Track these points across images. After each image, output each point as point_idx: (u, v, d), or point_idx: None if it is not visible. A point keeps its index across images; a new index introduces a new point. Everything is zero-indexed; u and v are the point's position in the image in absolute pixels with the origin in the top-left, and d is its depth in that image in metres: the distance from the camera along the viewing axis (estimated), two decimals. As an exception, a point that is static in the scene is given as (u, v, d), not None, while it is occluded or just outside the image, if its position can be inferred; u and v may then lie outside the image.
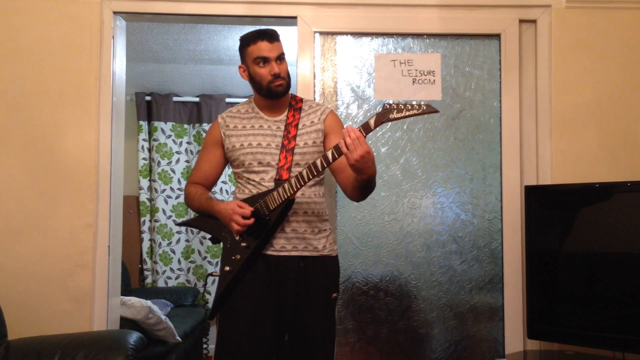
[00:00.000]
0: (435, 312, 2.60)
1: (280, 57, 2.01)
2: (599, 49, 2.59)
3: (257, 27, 2.10)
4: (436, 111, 1.77)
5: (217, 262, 4.72)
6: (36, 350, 2.10)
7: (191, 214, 2.20)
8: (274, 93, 2.03)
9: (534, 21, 2.64)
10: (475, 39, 2.66)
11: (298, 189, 1.91)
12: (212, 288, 4.61)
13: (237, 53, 2.12)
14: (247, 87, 4.49)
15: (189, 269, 4.78)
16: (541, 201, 2.39)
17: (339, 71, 2.64)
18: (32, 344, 2.14)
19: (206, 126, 4.74)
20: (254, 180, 2.03)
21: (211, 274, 4.58)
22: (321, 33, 2.63)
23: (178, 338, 3.35)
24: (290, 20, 2.61)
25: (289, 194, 1.91)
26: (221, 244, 2.07)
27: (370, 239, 2.60)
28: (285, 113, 2.09)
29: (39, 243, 2.45)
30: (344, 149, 1.76)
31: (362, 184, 1.89)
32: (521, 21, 2.64)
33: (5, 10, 2.50)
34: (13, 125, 2.48)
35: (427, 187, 2.62)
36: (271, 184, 1.99)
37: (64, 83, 2.50)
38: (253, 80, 2.05)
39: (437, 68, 2.63)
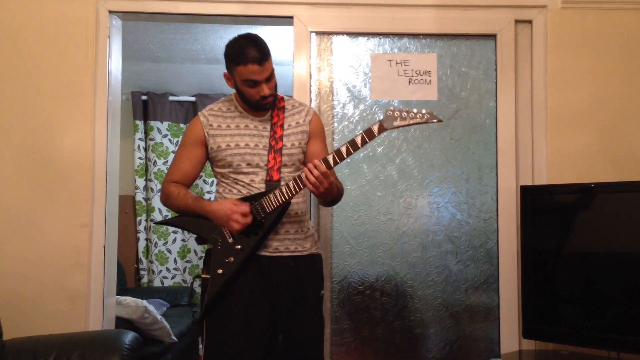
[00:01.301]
0: (430, 312, 2.60)
1: (270, 77, 1.94)
2: (595, 49, 2.59)
3: (253, 27, 2.08)
4: (440, 120, 1.79)
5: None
6: (31, 350, 2.09)
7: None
8: (262, 108, 2.02)
9: (529, 21, 2.64)
10: (471, 39, 2.66)
11: (297, 192, 1.90)
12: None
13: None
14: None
15: (185, 269, 4.78)
16: (537, 201, 2.39)
17: (335, 71, 2.64)
18: (28, 344, 2.13)
19: (202, 126, 4.73)
20: (242, 182, 2.00)
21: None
22: (317, 33, 2.63)
23: (174, 338, 3.35)
24: (287, 20, 2.61)
25: (287, 197, 1.90)
26: (207, 244, 2.04)
27: (366, 238, 2.60)
28: (270, 113, 2.06)
29: (35, 243, 2.44)
30: (309, 186, 1.84)
31: (327, 203, 2.11)
32: (517, 21, 2.64)
33: (0, 9, 2.49)
34: (8, 124, 2.47)
35: (423, 187, 2.63)
36: (262, 185, 1.97)
37: (59, 82, 2.49)
38: (240, 92, 2.00)
39: (433, 68, 2.63)
